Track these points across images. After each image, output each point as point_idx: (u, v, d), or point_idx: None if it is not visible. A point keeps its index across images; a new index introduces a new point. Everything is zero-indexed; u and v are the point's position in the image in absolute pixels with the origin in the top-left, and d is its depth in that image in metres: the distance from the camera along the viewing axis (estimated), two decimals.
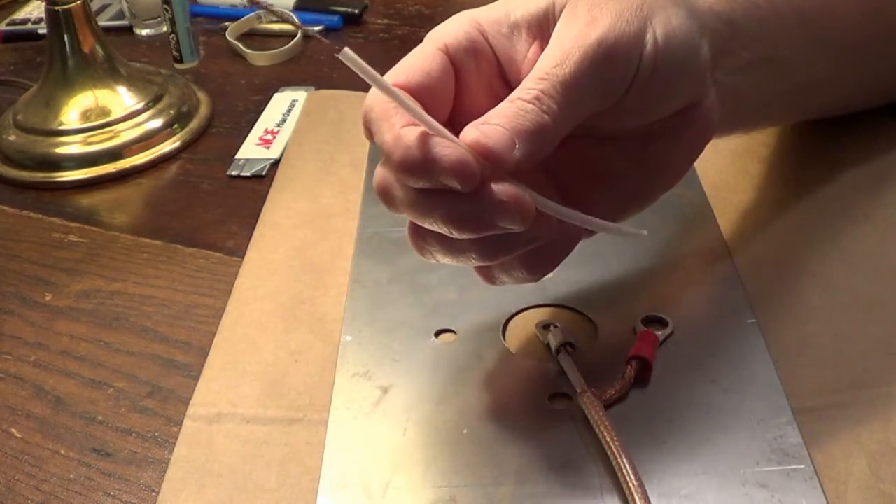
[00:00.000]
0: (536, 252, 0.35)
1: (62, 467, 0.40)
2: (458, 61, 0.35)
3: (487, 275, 0.37)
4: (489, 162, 0.31)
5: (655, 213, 0.48)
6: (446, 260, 0.36)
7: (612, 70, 0.34)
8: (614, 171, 0.38)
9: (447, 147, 0.31)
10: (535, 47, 0.36)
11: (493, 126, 0.32)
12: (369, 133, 0.34)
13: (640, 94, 0.35)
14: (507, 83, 0.37)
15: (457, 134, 0.32)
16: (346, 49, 0.30)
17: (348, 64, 0.30)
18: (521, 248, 0.35)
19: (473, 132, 0.32)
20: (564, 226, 0.35)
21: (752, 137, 0.54)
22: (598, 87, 0.34)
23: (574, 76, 0.33)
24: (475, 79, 0.36)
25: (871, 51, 0.47)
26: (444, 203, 0.32)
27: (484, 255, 0.35)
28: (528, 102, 0.32)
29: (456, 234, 0.33)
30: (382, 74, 0.33)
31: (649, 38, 0.34)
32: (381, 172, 0.34)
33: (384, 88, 0.32)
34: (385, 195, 0.34)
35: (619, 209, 0.38)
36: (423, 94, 0.33)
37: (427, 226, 0.34)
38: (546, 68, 0.33)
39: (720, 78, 0.38)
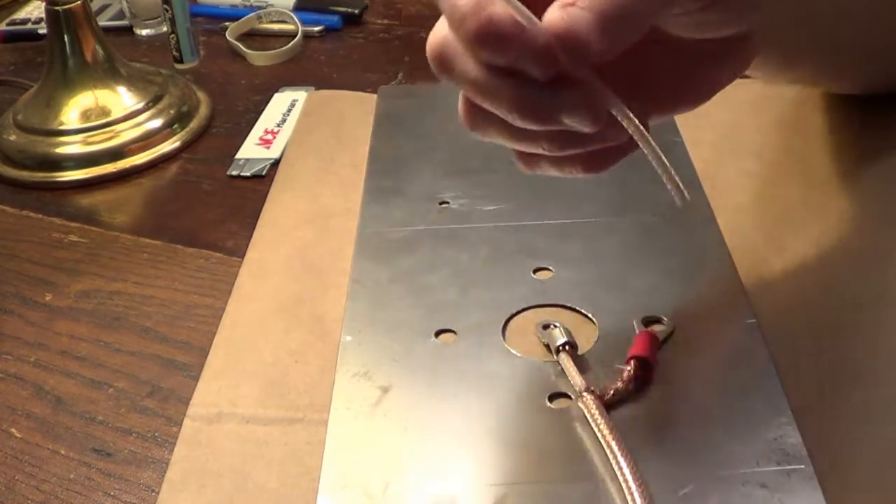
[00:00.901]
0: (601, 150, 0.34)
1: (62, 467, 0.40)
2: None
3: (531, 162, 0.35)
4: (571, 49, 0.29)
5: (655, 213, 0.48)
6: (503, 141, 0.34)
7: None
8: (649, 78, 0.35)
9: (526, 29, 0.29)
10: None
11: (580, 10, 0.29)
12: None
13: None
14: None
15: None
16: None
17: None
18: (592, 146, 0.33)
19: (559, 14, 0.29)
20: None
21: (751, 136, 0.54)
22: None
23: None
24: None
25: None
26: (513, 87, 0.30)
27: (555, 147, 0.33)
28: None
29: (518, 123, 0.31)
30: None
31: None
32: (441, 35, 0.31)
33: None
34: (442, 62, 0.32)
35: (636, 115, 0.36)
36: None
37: (486, 106, 0.32)
38: None
39: None
